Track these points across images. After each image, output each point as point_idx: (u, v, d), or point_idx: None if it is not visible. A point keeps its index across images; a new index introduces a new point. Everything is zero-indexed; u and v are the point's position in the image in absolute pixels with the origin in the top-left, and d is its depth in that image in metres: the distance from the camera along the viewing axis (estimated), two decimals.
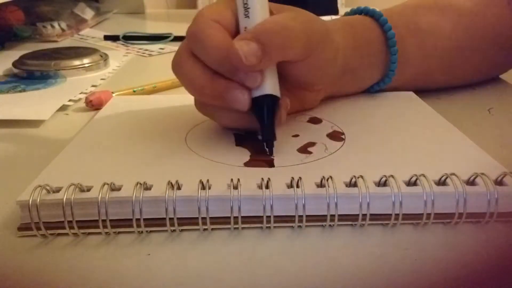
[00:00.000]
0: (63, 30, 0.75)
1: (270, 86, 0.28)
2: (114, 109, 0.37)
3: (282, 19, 0.28)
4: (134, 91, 0.44)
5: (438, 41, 0.41)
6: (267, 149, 0.28)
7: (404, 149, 0.29)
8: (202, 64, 0.28)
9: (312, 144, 0.30)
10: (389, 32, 0.38)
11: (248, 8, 0.27)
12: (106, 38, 0.73)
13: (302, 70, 0.30)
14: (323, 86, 0.36)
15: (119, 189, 0.24)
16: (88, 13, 0.85)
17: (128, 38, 0.72)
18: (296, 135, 0.31)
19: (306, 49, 0.28)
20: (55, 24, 0.74)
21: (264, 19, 0.28)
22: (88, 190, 0.23)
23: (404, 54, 0.39)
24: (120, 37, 0.72)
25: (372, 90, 0.40)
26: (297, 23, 0.28)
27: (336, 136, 0.31)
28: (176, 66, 0.30)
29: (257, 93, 0.28)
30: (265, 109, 0.28)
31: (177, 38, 0.71)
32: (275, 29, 0.27)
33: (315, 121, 0.34)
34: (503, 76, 0.48)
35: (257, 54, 0.26)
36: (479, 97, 0.43)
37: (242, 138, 0.31)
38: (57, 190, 0.23)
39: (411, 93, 0.39)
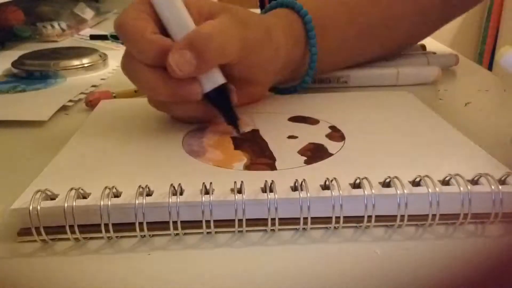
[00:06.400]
0: (63, 30, 0.75)
1: (220, 76, 0.30)
2: (104, 113, 0.36)
3: (218, 24, 0.29)
4: (135, 92, 0.44)
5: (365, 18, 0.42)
6: (234, 130, 0.31)
7: (405, 150, 0.28)
8: (147, 65, 0.29)
9: (312, 145, 0.29)
10: (309, 25, 0.38)
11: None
12: (92, 37, 0.73)
13: (241, 70, 0.32)
14: (266, 81, 0.36)
15: (120, 194, 0.23)
16: (88, 13, 0.85)
17: (117, 37, 0.72)
18: (295, 137, 0.31)
19: (241, 52, 0.30)
20: (55, 24, 0.74)
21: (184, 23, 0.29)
22: (89, 195, 0.23)
23: (328, 42, 0.39)
24: (108, 35, 0.72)
25: (303, 83, 0.40)
26: (233, 28, 0.29)
27: (335, 136, 0.31)
28: (124, 70, 0.30)
29: (210, 86, 0.30)
30: (224, 96, 0.30)
31: None
32: (210, 35, 0.28)
33: (312, 121, 0.34)
34: (505, 77, 0.48)
35: (192, 62, 0.27)
36: (481, 97, 0.43)
37: (240, 141, 0.30)
38: (57, 195, 0.23)
39: (408, 93, 0.39)
